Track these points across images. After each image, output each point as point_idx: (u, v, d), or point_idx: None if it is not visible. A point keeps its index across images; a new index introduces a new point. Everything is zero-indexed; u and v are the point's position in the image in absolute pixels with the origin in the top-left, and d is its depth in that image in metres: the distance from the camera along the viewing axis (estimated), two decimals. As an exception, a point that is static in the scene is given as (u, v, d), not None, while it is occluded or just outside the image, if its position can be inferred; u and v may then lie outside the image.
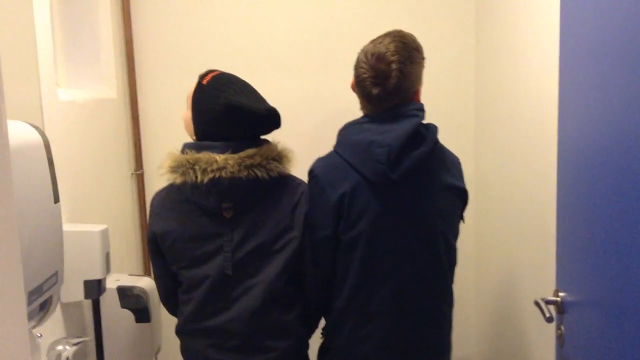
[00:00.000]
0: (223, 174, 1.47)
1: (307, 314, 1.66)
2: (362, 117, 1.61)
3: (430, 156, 1.53)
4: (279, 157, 1.56)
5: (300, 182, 1.64)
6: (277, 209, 1.57)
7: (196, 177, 1.47)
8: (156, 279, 1.71)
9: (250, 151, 1.50)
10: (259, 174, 1.49)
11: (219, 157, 1.47)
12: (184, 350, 1.65)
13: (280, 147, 1.59)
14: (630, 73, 1.03)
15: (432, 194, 1.56)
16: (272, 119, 1.54)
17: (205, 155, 1.48)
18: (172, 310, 1.71)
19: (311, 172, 1.61)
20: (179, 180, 1.50)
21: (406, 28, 1.61)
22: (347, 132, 1.60)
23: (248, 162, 1.48)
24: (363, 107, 1.63)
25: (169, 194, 1.59)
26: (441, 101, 2.38)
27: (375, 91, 1.53)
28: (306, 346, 1.69)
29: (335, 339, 1.64)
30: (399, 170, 1.49)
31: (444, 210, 1.58)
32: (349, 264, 1.56)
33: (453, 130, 2.29)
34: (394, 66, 1.51)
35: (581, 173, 1.27)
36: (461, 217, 1.66)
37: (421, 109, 1.55)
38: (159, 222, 1.59)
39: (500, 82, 2.13)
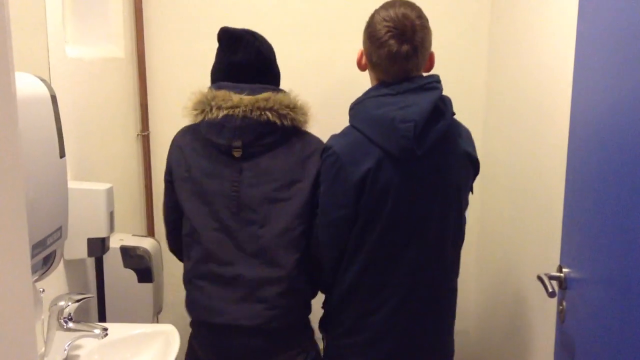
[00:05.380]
0: (236, 112, 1.52)
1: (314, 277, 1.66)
2: (377, 89, 1.55)
3: (449, 128, 1.53)
4: (294, 106, 1.58)
5: (317, 140, 1.65)
6: (288, 158, 1.58)
7: (212, 114, 1.53)
8: (165, 207, 1.74)
9: (265, 94, 1.54)
10: (270, 117, 1.53)
11: (235, 96, 1.53)
12: (189, 303, 1.65)
13: (296, 98, 1.61)
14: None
15: (451, 166, 1.56)
16: (250, 42, 1.59)
17: (222, 93, 1.55)
18: (174, 243, 1.74)
19: (328, 150, 1.56)
20: (198, 118, 1.57)
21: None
22: (364, 107, 1.54)
23: (262, 104, 1.53)
24: (380, 75, 1.57)
25: (190, 129, 1.65)
26: (452, 74, 2.34)
27: (404, 48, 1.49)
28: (309, 309, 1.68)
29: (343, 311, 1.63)
30: (424, 145, 1.48)
31: (461, 182, 1.59)
32: (364, 238, 1.55)
33: (464, 105, 2.26)
34: (417, 22, 1.50)
35: (592, 150, 1.26)
36: (471, 188, 1.66)
37: (439, 81, 1.54)
38: (175, 153, 1.65)
39: (514, 57, 2.10)
